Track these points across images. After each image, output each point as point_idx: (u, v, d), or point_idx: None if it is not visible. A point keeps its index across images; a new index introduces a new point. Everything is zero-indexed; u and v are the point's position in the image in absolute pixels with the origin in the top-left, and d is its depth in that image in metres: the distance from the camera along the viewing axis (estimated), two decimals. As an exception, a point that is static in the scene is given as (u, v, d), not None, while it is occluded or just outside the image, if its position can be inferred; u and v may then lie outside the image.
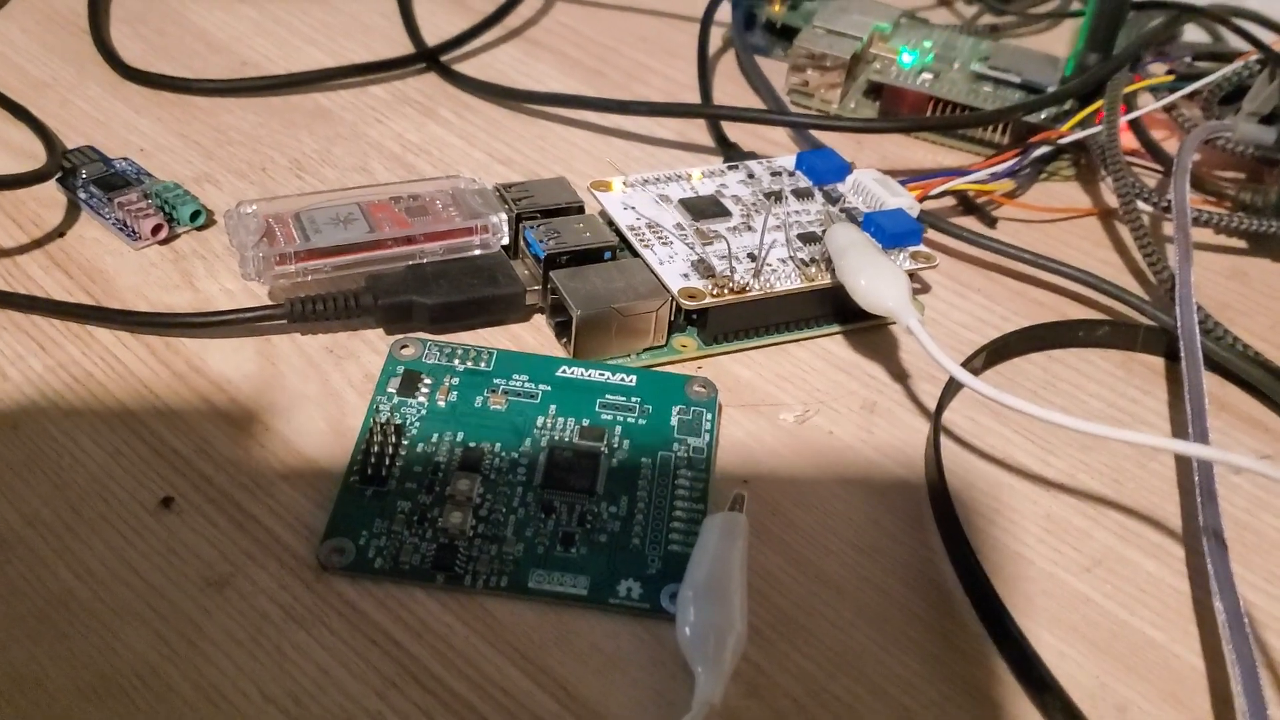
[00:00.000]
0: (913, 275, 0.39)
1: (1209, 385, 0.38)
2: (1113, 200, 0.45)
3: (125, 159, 0.42)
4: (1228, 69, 0.47)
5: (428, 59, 0.50)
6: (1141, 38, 0.48)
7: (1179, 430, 0.36)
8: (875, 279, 0.34)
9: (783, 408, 0.36)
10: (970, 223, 0.45)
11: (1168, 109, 0.48)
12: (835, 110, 0.51)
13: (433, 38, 0.52)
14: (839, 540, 0.31)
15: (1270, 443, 0.36)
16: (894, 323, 0.38)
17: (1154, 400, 0.37)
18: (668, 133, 0.48)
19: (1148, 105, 0.47)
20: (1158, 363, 0.39)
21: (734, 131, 0.47)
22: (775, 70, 0.52)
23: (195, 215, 0.39)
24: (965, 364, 0.37)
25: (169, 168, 0.42)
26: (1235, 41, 0.54)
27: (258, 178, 0.43)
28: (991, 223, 0.45)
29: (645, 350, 0.36)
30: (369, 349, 0.36)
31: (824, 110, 0.51)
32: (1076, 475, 0.34)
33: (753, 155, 0.46)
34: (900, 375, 0.37)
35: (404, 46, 0.52)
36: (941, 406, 0.34)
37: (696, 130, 0.48)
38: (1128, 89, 0.47)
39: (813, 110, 0.51)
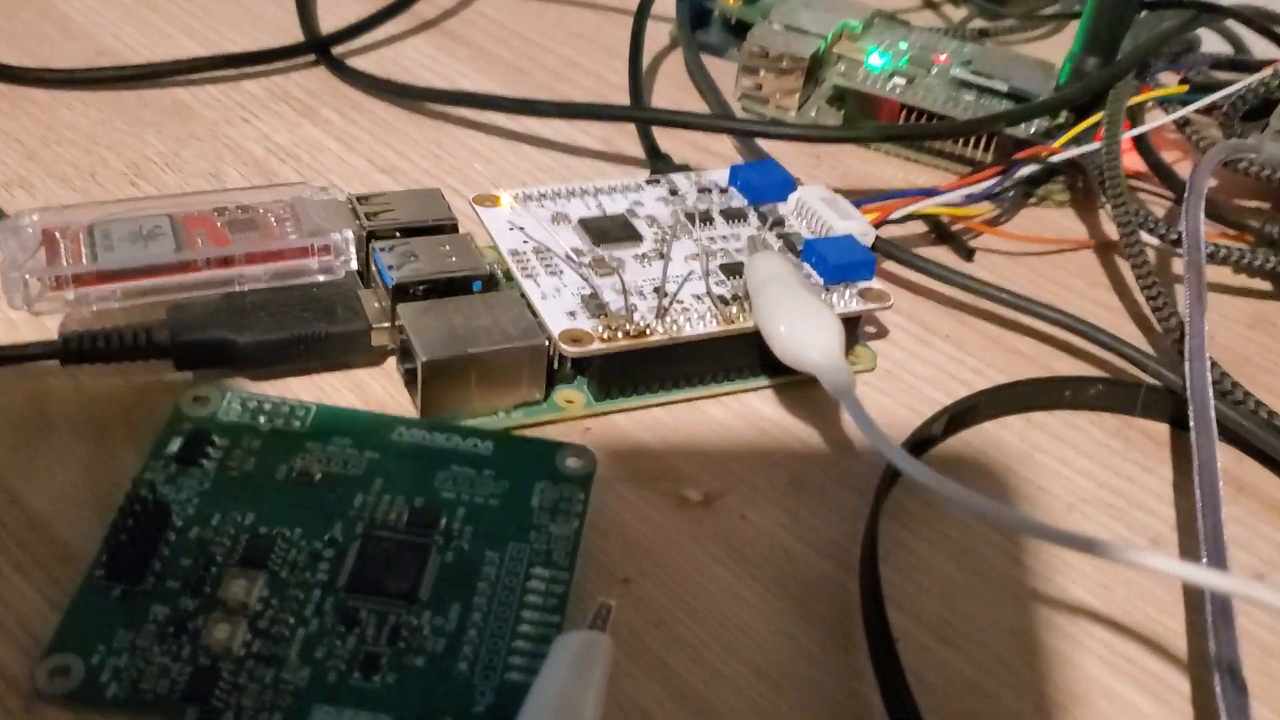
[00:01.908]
0: (861, 318, 0.32)
1: (1225, 460, 0.31)
2: (1113, 231, 0.38)
3: (-80, 157, 0.35)
4: (1252, 79, 0.40)
5: (316, 49, 0.43)
6: (1151, 40, 0.41)
7: (1186, 519, 0.29)
8: (798, 326, 0.26)
9: (686, 482, 0.28)
10: (941, 254, 0.37)
11: (1180, 125, 0.40)
12: (793, 119, 0.43)
13: (331, 27, 0.45)
14: (738, 662, 0.24)
15: (1302, 538, 0.29)
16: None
17: (1156, 480, 0.30)
18: (590, 140, 0.41)
19: (1157, 120, 0.40)
20: (1162, 430, 0.32)
21: (670, 142, 0.40)
22: (730, 71, 0.45)
23: (-15, 225, 0.32)
24: (922, 429, 0.29)
25: (-25, 170, 0.35)
26: (1261, 48, 0.46)
27: (82, 183, 0.35)
28: (968, 254, 0.37)
29: (519, 407, 0.29)
30: (167, 394, 0.28)
31: (780, 119, 0.44)
32: (1054, 579, 0.27)
33: (685, 169, 0.38)
34: (838, 444, 0.30)
35: (294, 35, 0.45)
36: (882, 493, 0.27)
37: (625, 138, 0.41)
38: (1133, 100, 0.40)
39: (767, 117, 0.44)
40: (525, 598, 0.24)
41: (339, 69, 0.42)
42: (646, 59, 0.46)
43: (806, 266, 0.31)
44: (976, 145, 0.41)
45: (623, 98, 0.43)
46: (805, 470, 0.29)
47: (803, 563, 0.26)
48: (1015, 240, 0.38)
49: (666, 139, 0.40)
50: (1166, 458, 0.31)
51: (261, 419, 0.27)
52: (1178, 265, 0.38)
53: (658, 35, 0.47)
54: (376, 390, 0.29)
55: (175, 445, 0.26)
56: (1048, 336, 0.34)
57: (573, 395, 0.30)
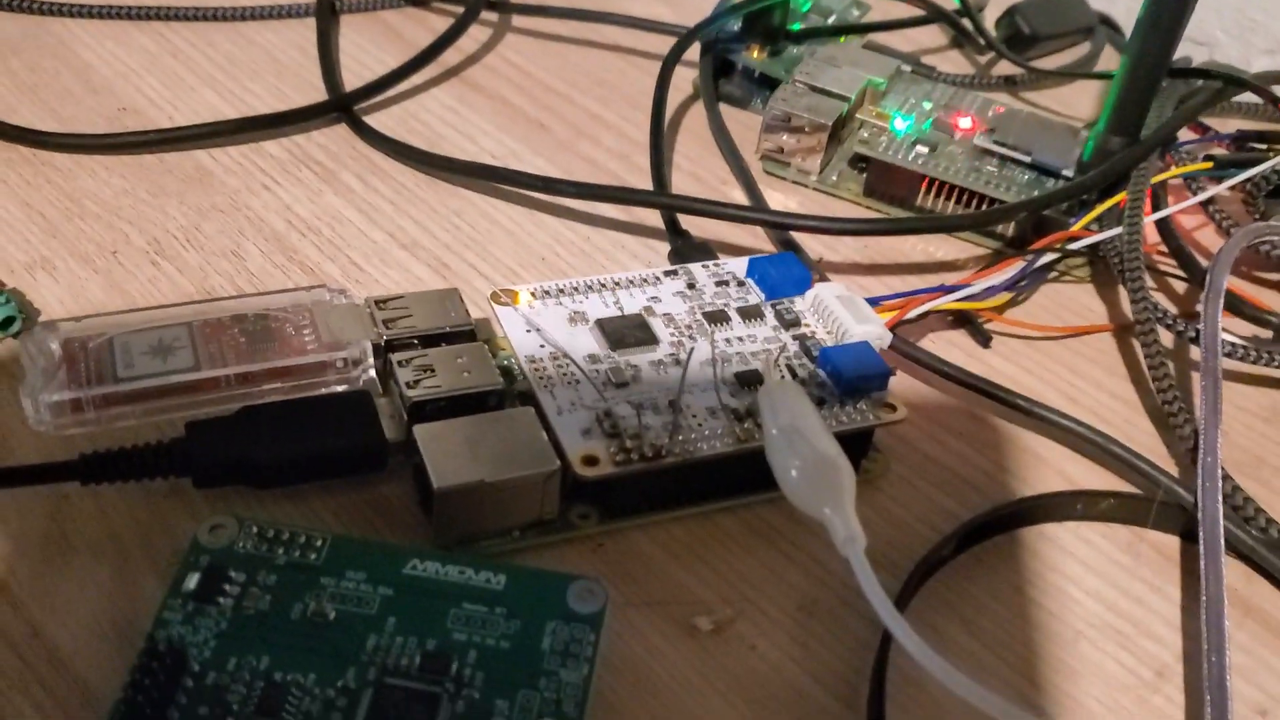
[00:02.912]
0: (875, 430, 0.32)
1: (1234, 577, 0.31)
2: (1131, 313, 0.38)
3: (-55, 238, 0.35)
4: (1276, 159, 0.39)
5: (338, 109, 0.43)
6: (1176, 118, 0.40)
7: (1193, 647, 0.29)
8: (809, 474, 0.26)
9: (697, 607, 0.28)
10: (959, 339, 0.37)
11: (1204, 203, 0.40)
12: (814, 182, 0.43)
13: (354, 76, 0.45)
14: (744, 816, 0.24)
15: (1309, 668, 0.29)
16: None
17: (1164, 600, 0.30)
18: (610, 210, 0.41)
19: (1181, 203, 0.39)
20: (1173, 544, 0.32)
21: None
22: (754, 123, 0.44)
23: (7, 322, 0.32)
24: (933, 551, 0.29)
25: (1, 249, 0.36)
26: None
27: (104, 263, 0.36)
28: (985, 340, 0.37)
29: (532, 526, 0.29)
30: (187, 512, 0.29)
31: (801, 182, 0.43)
32: (1058, 712, 0.27)
33: (705, 247, 0.38)
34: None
35: (318, 89, 0.44)
36: (887, 640, 0.27)
37: (644, 209, 0.41)
38: (1156, 178, 0.39)
39: (788, 180, 0.44)
40: (535, 749, 0.24)
41: (361, 129, 0.42)
42: (670, 108, 0.45)
43: (822, 374, 0.31)
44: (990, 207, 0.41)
45: (646, 156, 0.43)
46: (816, 592, 0.29)
47: (812, 703, 0.27)
48: (1033, 329, 0.37)
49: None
50: (1176, 575, 0.31)
51: (279, 550, 0.27)
52: (1196, 351, 0.38)
53: (681, 82, 0.47)
54: (393, 504, 0.30)
55: (193, 582, 0.26)
56: (1062, 438, 0.34)
57: (587, 510, 0.30)
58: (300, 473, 0.29)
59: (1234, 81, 0.44)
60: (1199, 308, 0.35)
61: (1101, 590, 0.30)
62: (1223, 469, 0.31)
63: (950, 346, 0.37)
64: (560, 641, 0.26)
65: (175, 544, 0.28)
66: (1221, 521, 0.30)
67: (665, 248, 0.39)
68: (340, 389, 0.30)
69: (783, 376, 0.30)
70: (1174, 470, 0.33)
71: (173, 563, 0.27)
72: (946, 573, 0.30)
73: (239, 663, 0.25)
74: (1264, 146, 0.42)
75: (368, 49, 0.48)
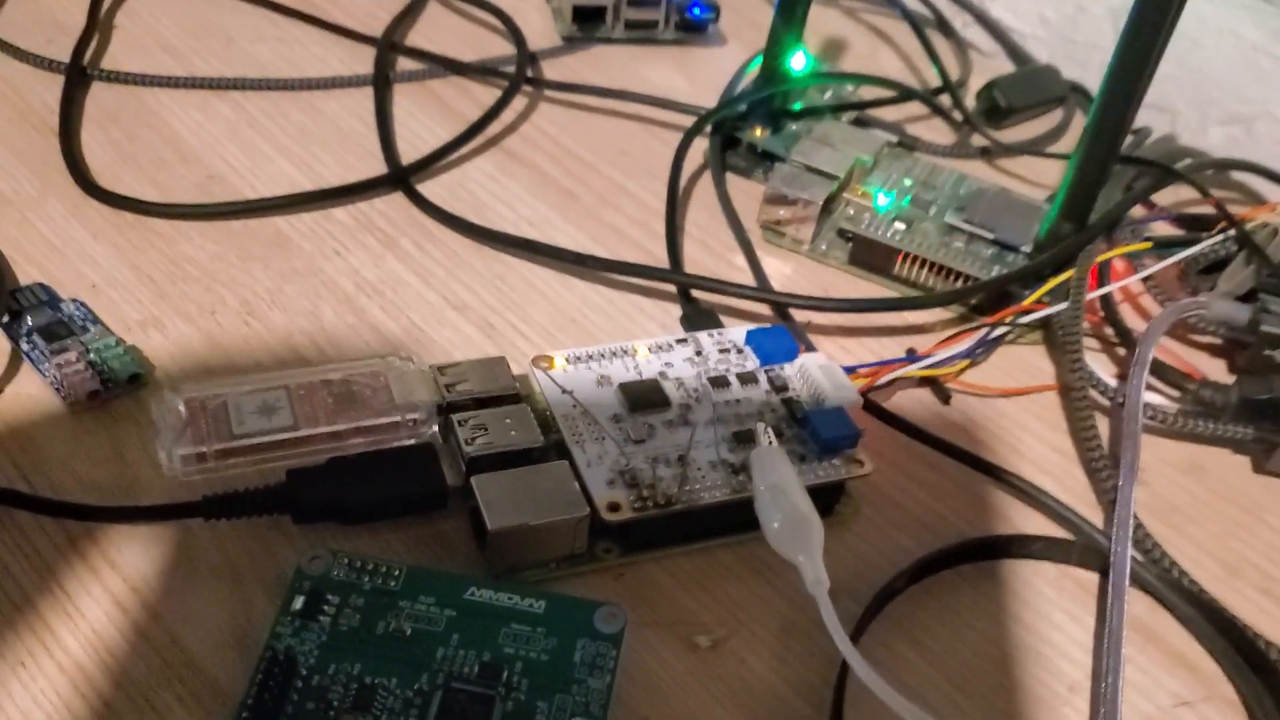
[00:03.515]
0: (845, 483, 0.38)
1: (1141, 611, 0.38)
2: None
3: (75, 300, 0.42)
4: (1205, 244, 0.46)
5: (396, 181, 0.49)
6: (1118, 207, 0.47)
7: (1100, 661, 0.36)
8: (787, 527, 0.33)
9: (699, 628, 0.35)
10: (922, 395, 0.44)
11: (1145, 279, 0.46)
12: (806, 250, 0.50)
13: (408, 145, 0.52)
14: (731, 796, 0.31)
15: (1194, 686, 0.36)
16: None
17: (1079, 628, 0.37)
18: (632, 279, 0.47)
19: (1125, 276, 0.46)
20: (1092, 579, 0.38)
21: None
22: (757, 191, 0.51)
23: (134, 378, 0.39)
24: (890, 584, 0.36)
25: (117, 309, 0.42)
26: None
27: (206, 323, 0.42)
28: (945, 398, 0.44)
29: (565, 558, 0.36)
30: (287, 543, 0.36)
31: (795, 250, 0.50)
32: (986, 722, 0.34)
33: (711, 315, 0.45)
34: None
35: (378, 158, 0.51)
36: (844, 676, 0.34)
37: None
38: (1101, 257, 0.46)
39: (783, 247, 0.50)
40: (568, 741, 0.31)
41: (416, 199, 0.49)
42: (684, 176, 0.52)
43: (805, 432, 0.38)
44: (957, 278, 0.47)
45: (662, 223, 0.50)
46: (795, 615, 0.36)
47: (789, 708, 0.33)
48: (988, 392, 0.44)
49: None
50: (1092, 606, 0.38)
51: (365, 578, 0.34)
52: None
53: (693, 151, 0.54)
54: (452, 536, 0.37)
55: (299, 603, 0.33)
56: (1008, 488, 0.41)
57: (609, 545, 0.37)
58: (379, 511, 0.36)
59: (1171, 174, 0.50)
60: (1129, 374, 0.41)
61: (1028, 618, 0.37)
62: (1135, 516, 0.38)
63: (916, 403, 0.43)
64: (588, 655, 0.33)
65: (279, 569, 0.35)
66: (1129, 564, 0.36)
67: (678, 310, 0.46)
68: (410, 442, 0.37)
69: (770, 441, 0.37)
70: (1099, 515, 0.40)
71: (279, 585, 0.34)
72: (901, 601, 0.37)
73: (337, 668, 0.32)
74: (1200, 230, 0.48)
75: (419, 117, 0.54)
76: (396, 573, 0.34)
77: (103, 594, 0.34)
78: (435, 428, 0.37)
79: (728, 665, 0.34)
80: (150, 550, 0.35)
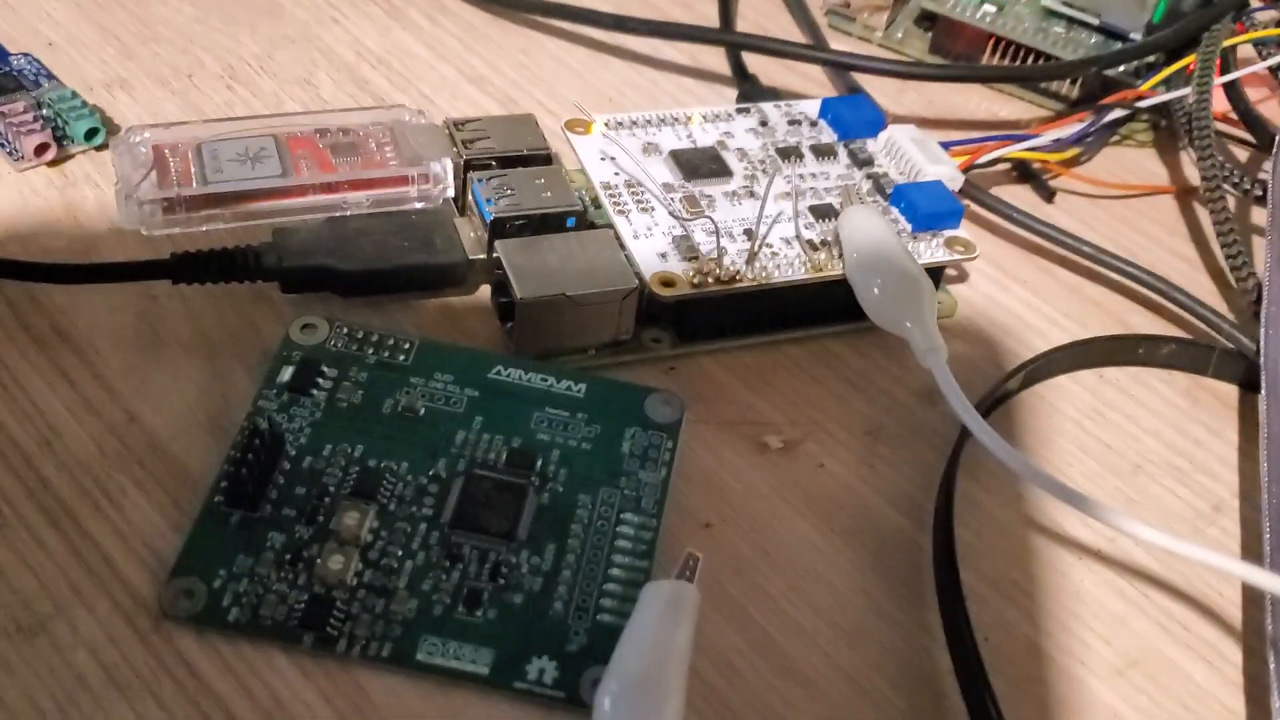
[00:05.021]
0: (946, 267, 0.32)
1: (1294, 428, 0.31)
2: (1195, 176, 0.38)
3: (26, 55, 0.35)
4: (1353, 26, 0.39)
5: (405, -53, 0.43)
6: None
7: (1250, 486, 0.30)
8: (891, 290, 0.27)
9: (767, 428, 0.29)
10: (1023, 193, 0.38)
11: (1274, 69, 0.40)
12: (879, 38, 0.43)
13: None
14: (816, 616, 0.25)
15: (1360, 510, 0.30)
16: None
17: (1223, 444, 0.31)
18: (677, 54, 0.41)
19: (1250, 66, 0.39)
20: (1231, 392, 0.32)
21: (758, 62, 0.40)
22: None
23: (92, 133, 0.33)
24: (999, 385, 0.30)
25: (77, 69, 0.36)
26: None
27: (181, 86, 0.36)
28: (1049, 195, 0.37)
29: (608, 345, 0.30)
30: (273, 316, 0.29)
31: (866, 38, 0.43)
32: (1118, 540, 0.28)
33: (773, 92, 0.38)
34: (919, 391, 0.31)
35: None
36: (958, 451, 0.28)
37: (711, 54, 0.41)
38: (1227, 42, 0.39)
39: (853, 35, 0.43)
40: (616, 542, 0.25)
41: (428, -32, 0.42)
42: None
43: (894, 211, 0.32)
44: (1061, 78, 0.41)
45: (711, 6, 0.43)
46: (884, 420, 0.30)
47: (879, 517, 0.27)
48: (1098, 185, 0.38)
49: (755, 59, 0.40)
50: (1234, 420, 0.32)
51: (369, 350, 0.28)
52: (1259, 214, 0.38)
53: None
54: (468, 319, 0.30)
55: (287, 374, 0.27)
56: (1124, 288, 0.34)
57: (660, 334, 0.30)
58: (382, 284, 0.30)
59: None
60: (1263, 176, 0.35)
61: (1160, 429, 0.31)
62: (1284, 319, 0.32)
63: (1014, 200, 0.37)
64: (639, 446, 0.27)
65: (263, 345, 0.28)
66: (1284, 366, 0.30)
67: (732, 93, 0.39)
68: (420, 206, 0.31)
69: (862, 200, 0.31)
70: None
71: (263, 363, 0.28)
72: (1011, 407, 0.31)
73: (334, 449, 0.26)
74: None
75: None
76: (407, 345, 0.28)
77: (46, 365, 0.28)
78: (451, 191, 0.31)
79: (804, 470, 0.28)
80: (107, 320, 0.29)
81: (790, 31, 0.43)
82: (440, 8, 0.41)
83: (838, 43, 0.43)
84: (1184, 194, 0.39)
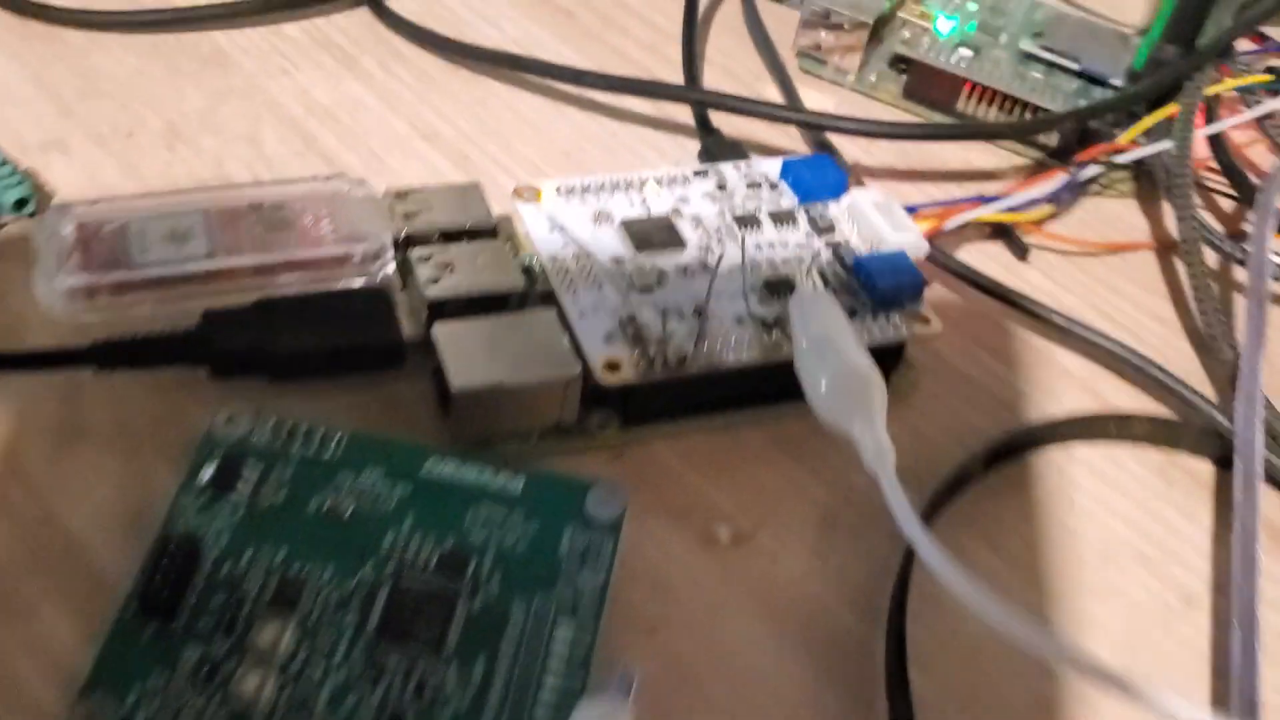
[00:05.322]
0: (907, 344, 0.31)
1: (1269, 509, 0.30)
2: (1175, 230, 0.36)
3: (-42, 114, 0.34)
4: (1339, 74, 0.38)
5: (360, -8, 0.41)
6: (1236, 26, 0.38)
7: (1223, 576, 0.29)
8: (838, 388, 0.26)
9: (718, 516, 0.28)
10: (996, 250, 0.36)
11: (1260, 119, 0.38)
12: (851, 82, 0.42)
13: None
14: (760, 728, 0.24)
15: (1340, 600, 0.28)
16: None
17: (1195, 528, 0.30)
18: (638, 104, 0.39)
19: (1234, 118, 0.38)
20: (1207, 469, 0.31)
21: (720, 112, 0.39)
22: (790, 19, 0.43)
23: (21, 203, 0.32)
24: (962, 468, 0.29)
25: (12, 127, 0.35)
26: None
27: (119, 146, 0.35)
28: (1023, 253, 0.36)
29: (551, 431, 0.29)
30: (200, 403, 0.28)
31: (838, 81, 0.42)
32: (1081, 637, 0.27)
33: (735, 147, 0.37)
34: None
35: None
36: (910, 558, 0.26)
37: (673, 104, 0.39)
38: (1210, 90, 0.38)
39: (824, 79, 0.42)
40: (550, 652, 0.24)
41: (383, 13, 0.41)
42: None
43: (855, 282, 0.31)
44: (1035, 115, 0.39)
45: (676, 48, 0.42)
46: (839, 507, 0.29)
47: (831, 616, 0.26)
48: (1073, 244, 0.36)
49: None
50: (1209, 501, 0.30)
51: (295, 444, 0.26)
52: (1241, 273, 0.36)
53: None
54: (408, 402, 0.29)
55: (208, 472, 0.26)
56: (1097, 355, 0.33)
57: (606, 417, 0.29)
58: (316, 367, 0.28)
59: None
60: (1247, 228, 0.33)
61: (1131, 513, 0.30)
62: (1264, 395, 0.30)
63: (986, 259, 0.36)
64: (578, 546, 0.26)
65: (188, 436, 0.27)
66: (1260, 449, 0.29)
67: (695, 146, 0.38)
68: (358, 283, 0.29)
69: (814, 285, 0.29)
70: (1212, 395, 0.32)
71: (188, 455, 0.26)
72: (973, 491, 0.30)
73: (256, 554, 0.25)
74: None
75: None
76: (337, 438, 0.27)
77: (-41, 460, 0.26)
78: (390, 267, 0.30)
79: (754, 563, 0.27)
80: (25, 411, 0.28)
81: (759, 73, 0.42)
82: (396, 55, 0.40)
83: (808, 86, 0.42)
84: (1164, 249, 0.38)
